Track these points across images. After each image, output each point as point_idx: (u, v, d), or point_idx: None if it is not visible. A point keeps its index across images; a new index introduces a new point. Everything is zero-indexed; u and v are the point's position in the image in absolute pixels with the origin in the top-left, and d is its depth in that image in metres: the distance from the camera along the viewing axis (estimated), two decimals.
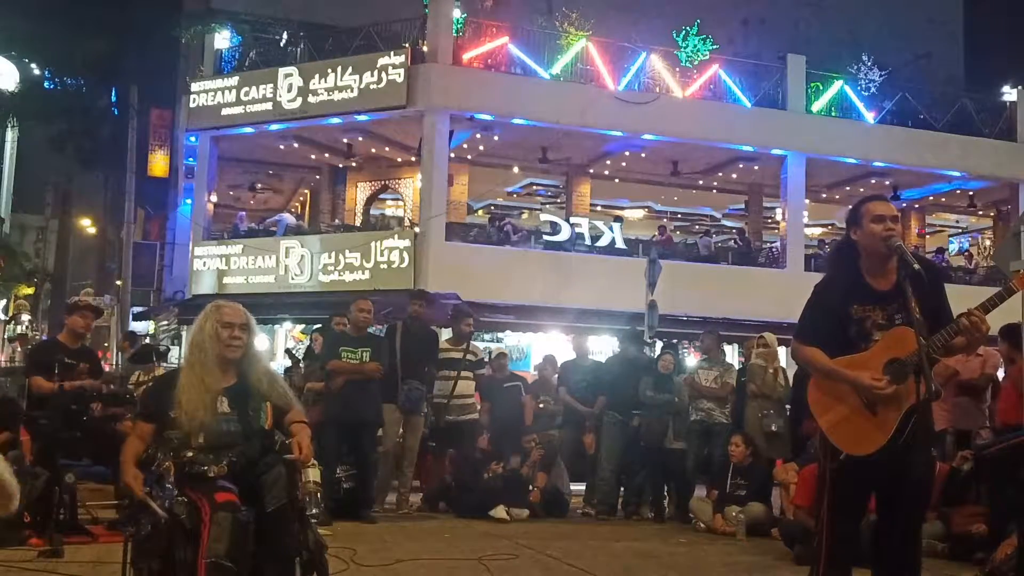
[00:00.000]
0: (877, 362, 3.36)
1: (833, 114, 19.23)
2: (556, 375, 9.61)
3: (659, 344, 11.74)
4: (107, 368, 11.71)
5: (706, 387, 8.39)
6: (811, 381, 3.59)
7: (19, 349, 11.93)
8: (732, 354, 18.94)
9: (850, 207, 3.66)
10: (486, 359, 9.49)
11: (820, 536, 3.47)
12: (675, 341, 11.97)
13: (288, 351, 13.52)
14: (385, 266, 16.06)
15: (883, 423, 3.34)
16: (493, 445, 8.65)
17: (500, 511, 7.61)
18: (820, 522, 3.48)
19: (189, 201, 20.22)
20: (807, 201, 19.75)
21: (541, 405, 9.37)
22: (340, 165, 20.20)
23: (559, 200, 21.70)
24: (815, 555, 3.51)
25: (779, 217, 19.71)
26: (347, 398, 7.32)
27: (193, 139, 19.03)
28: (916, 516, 3.44)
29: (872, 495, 3.48)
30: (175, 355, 15.95)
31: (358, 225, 18.90)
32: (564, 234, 17.27)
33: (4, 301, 26.48)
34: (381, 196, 20.83)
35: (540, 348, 17.46)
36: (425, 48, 16.75)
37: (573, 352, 9.59)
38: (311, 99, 16.70)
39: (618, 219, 19.16)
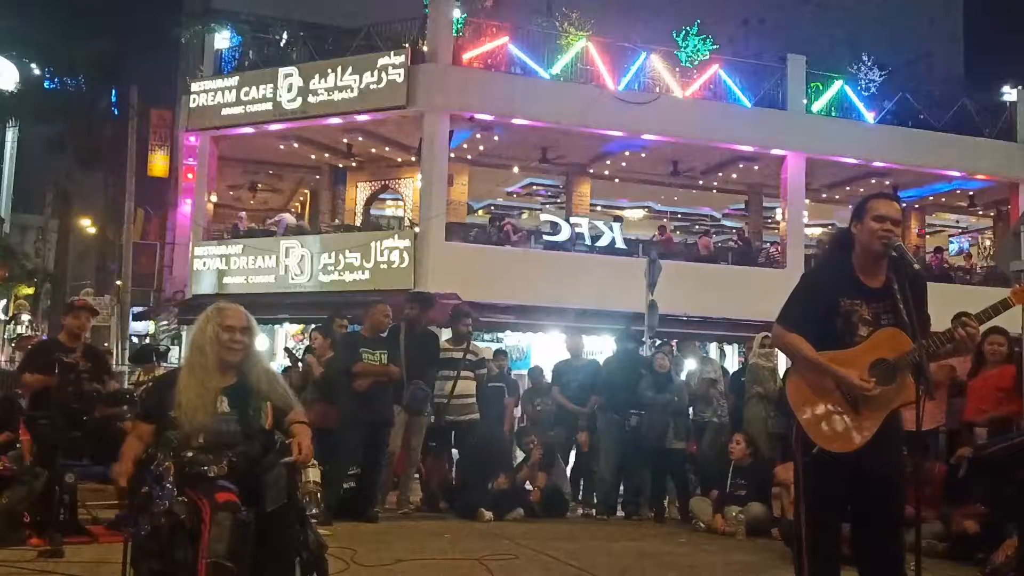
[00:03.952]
0: (863, 361, 3.34)
1: (833, 114, 19.22)
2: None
3: (653, 344, 11.77)
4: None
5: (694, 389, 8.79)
6: (792, 372, 3.54)
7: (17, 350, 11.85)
8: (732, 354, 19.05)
9: (858, 201, 3.62)
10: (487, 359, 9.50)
11: (799, 533, 3.43)
12: (665, 340, 11.93)
13: (288, 350, 13.52)
14: (385, 266, 16.06)
15: (865, 423, 3.33)
16: (484, 447, 8.61)
17: (485, 514, 7.64)
18: (799, 520, 3.45)
19: (189, 201, 20.23)
20: (807, 201, 19.76)
21: (539, 408, 9.37)
22: (340, 165, 20.20)
23: (559, 200, 21.70)
24: (797, 555, 3.46)
25: (779, 217, 19.71)
26: (370, 399, 7.41)
27: (193, 139, 19.03)
28: (893, 516, 3.40)
29: (847, 495, 3.42)
30: (175, 355, 15.97)
31: (358, 225, 18.89)
32: (564, 234, 17.26)
33: (4, 301, 26.49)
34: (381, 196, 20.84)
35: (540, 348, 17.49)
36: (425, 48, 16.74)
37: (567, 352, 9.58)
38: (311, 99, 16.69)
39: (618, 219, 19.16)
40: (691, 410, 8.87)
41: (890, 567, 3.38)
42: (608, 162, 19.74)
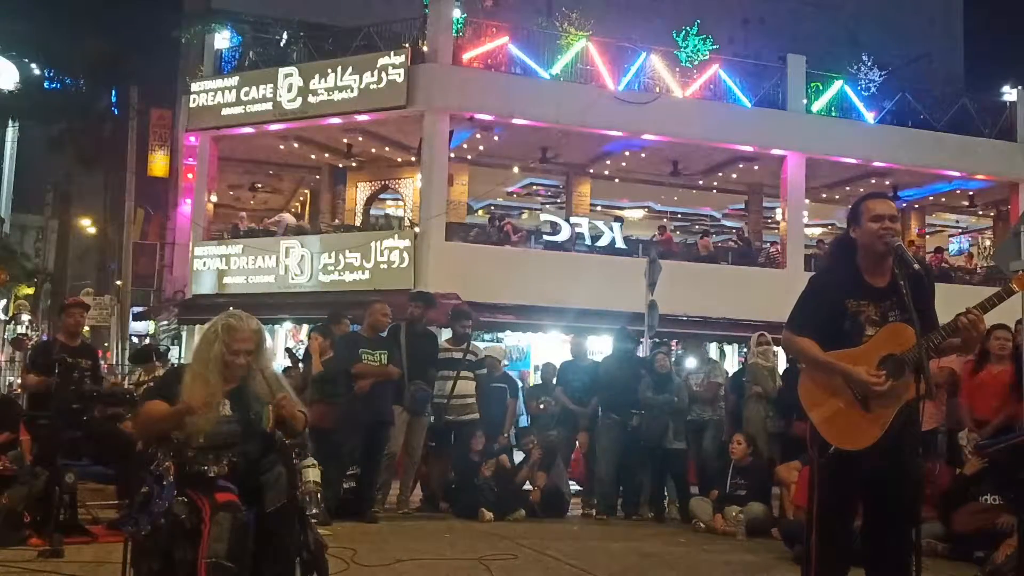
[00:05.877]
0: (872, 357, 3.36)
1: (833, 114, 19.22)
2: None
3: (648, 343, 11.78)
4: (104, 368, 11.70)
5: (696, 391, 8.68)
6: (802, 374, 3.57)
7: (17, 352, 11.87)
8: (732, 354, 19.04)
9: (851, 204, 3.66)
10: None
11: (810, 534, 3.44)
12: (663, 340, 11.93)
13: (288, 351, 13.53)
14: (385, 266, 16.05)
15: (877, 419, 3.34)
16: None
17: (485, 514, 7.64)
18: (810, 519, 3.45)
19: (189, 201, 20.24)
20: (807, 201, 19.75)
21: (542, 407, 9.38)
22: (340, 165, 20.19)
23: (559, 200, 21.70)
24: (806, 554, 3.48)
25: (779, 217, 19.71)
26: (370, 399, 7.42)
27: (193, 139, 19.02)
28: (906, 517, 3.40)
29: (860, 494, 3.44)
30: (175, 355, 15.96)
31: (358, 225, 18.89)
32: (564, 234, 17.25)
33: (4, 301, 26.49)
34: (381, 196, 20.83)
35: (540, 348, 17.49)
36: (425, 48, 16.74)
37: (571, 353, 9.59)
38: (311, 99, 16.68)
39: (618, 219, 19.14)
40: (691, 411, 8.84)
41: (897, 567, 3.38)
42: (608, 162, 19.73)
